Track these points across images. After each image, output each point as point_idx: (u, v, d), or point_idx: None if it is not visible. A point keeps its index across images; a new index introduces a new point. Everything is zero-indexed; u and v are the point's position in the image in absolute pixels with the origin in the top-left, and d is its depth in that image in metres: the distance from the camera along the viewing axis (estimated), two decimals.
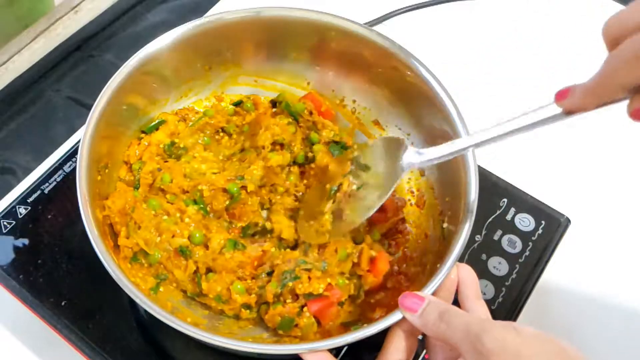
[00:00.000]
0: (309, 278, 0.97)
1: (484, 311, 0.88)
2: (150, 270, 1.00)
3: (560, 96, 0.80)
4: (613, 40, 0.71)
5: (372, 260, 1.02)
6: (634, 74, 0.69)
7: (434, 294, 0.88)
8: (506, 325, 0.75)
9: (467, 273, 0.91)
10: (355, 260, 1.01)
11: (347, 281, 0.99)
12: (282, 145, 1.10)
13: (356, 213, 1.01)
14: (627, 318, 1.12)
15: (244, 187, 1.05)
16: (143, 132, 1.10)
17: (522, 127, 0.87)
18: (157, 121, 1.10)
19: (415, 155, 0.95)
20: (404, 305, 0.85)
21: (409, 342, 0.88)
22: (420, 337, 0.90)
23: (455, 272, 0.90)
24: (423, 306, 0.83)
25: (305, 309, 0.96)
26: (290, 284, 0.97)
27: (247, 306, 0.99)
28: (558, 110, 0.80)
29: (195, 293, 1.01)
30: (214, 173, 1.06)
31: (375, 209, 0.99)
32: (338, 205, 1.02)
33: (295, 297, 0.97)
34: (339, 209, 1.02)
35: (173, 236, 1.00)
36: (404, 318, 0.86)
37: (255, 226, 1.05)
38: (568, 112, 0.79)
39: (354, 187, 1.03)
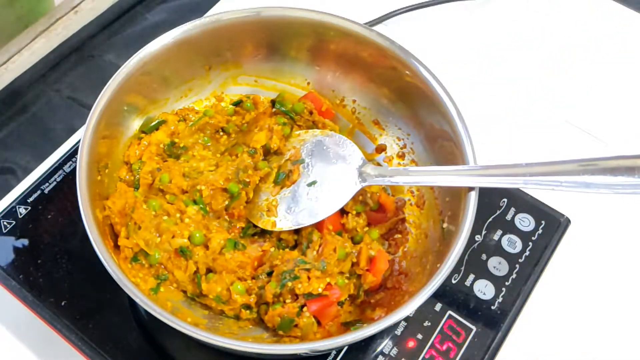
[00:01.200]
0: (308, 278, 0.97)
1: None
2: (151, 271, 1.00)
3: None
4: None
5: (371, 260, 1.02)
6: None
7: None
8: None
9: None
10: (355, 259, 1.01)
11: (346, 281, 0.99)
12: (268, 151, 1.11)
13: (305, 214, 1.03)
14: (627, 318, 1.12)
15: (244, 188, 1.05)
16: (143, 132, 1.10)
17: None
18: (157, 121, 1.10)
19: (373, 176, 1.02)
20: None
21: None
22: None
23: None
24: None
25: (305, 309, 0.96)
26: (290, 284, 0.97)
27: (247, 306, 0.99)
28: None
29: (195, 293, 1.01)
30: (210, 170, 1.06)
31: (322, 218, 1.02)
32: (291, 196, 1.05)
33: (295, 297, 0.97)
34: (289, 199, 1.05)
35: (173, 236, 1.00)
36: None
37: (254, 226, 1.05)
38: None
39: (305, 182, 1.04)
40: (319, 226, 1.03)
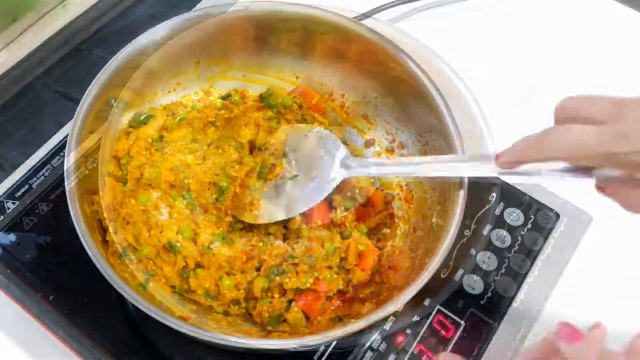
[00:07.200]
0: (297, 272, 0.97)
1: None
2: (140, 266, 1.00)
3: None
4: (561, 118, 0.78)
5: (360, 255, 1.02)
6: (565, 150, 0.76)
7: None
8: None
9: None
10: (343, 254, 1.01)
11: (335, 275, 1.00)
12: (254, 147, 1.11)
13: (287, 207, 1.03)
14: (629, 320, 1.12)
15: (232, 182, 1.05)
16: (131, 126, 1.09)
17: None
18: (145, 116, 1.10)
19: (354, 167, 1.01)
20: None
21: None
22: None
23: None
24: None
25: (293, 303, 0.96)
26: (278, 278, 0.97)
27: (236, 302, 0.99)
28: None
29: (183, 289, 1.01)
30: (198, 164, 1.06)
31: (304, 210, 1.02)
32: (273, 189, 1.05)
33: (283, 292, 0.97)
34: (271, 192, 1.05)
35: (162, 231, 1.00)
36: None
37: (243, 221, 1.05)
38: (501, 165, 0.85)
39: (288, 176, 1.04)
40: (307, 221, 1.03)
